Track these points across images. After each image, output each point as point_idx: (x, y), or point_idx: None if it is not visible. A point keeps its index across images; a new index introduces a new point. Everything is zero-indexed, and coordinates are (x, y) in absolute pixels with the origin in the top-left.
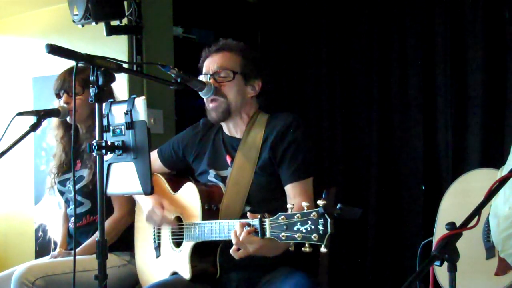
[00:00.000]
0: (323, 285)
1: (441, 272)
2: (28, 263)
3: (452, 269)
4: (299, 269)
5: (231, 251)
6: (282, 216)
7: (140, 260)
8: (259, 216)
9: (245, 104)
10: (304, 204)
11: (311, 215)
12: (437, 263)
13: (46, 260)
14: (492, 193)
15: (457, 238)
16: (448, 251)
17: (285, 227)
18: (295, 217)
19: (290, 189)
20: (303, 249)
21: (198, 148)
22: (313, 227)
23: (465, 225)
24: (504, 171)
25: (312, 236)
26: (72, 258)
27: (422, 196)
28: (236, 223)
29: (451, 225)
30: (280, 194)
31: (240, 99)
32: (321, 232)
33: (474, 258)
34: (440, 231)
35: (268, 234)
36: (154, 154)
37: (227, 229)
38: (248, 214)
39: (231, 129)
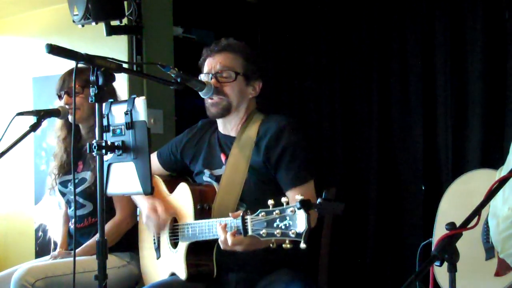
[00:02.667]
0: (323, 285)
1: (441, 272)
2: (27, 263)
3: (452, 269)
4: (299, 270)
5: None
6: (263, 213)
7: (144, 261)
8: (241, 214)
9: (244, 104)
10: (284, 199)
11: (289, 210)
12: (437, 263)
13: (46, 260)
14: (491, 193)
15: (457, 238)
16: (448, 251)
17: (265, 223)
18: (274, 213)
19: (291, 195)
20: (283, 245)
21: (195, 149)
22: (291, 222)
23: (465, 225)
24: (503, 171)
25: (290, 232)
26: (72, 259)
27: (422, 196)
28: (221, 224)
29: (451, 225)
30: (275, 193)
31: (240, 99)
32: (299, 228)
33: (474, 258)
34: (439, 231)
35: (250, 232)
36: (153, 156)
37: (215, 228)
38: (230, 214)
39: (227, 127)
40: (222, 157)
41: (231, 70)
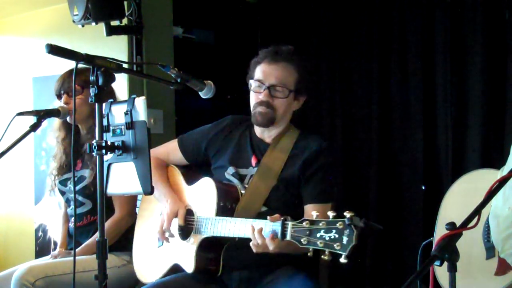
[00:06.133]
0: (323, 285)
1: (441, 272)
2: (28, 263)
3: (452, 269)
4: (300, 269)
5: (251, 244)
6: (307, 221)
7: (138, 249)
8: (282, 218)
9: (287, 117)
10: (330, 213)
11: (337, 224)
12: (437, 263)
13: (46, 260)
14: (492, 193)
15: (457, 238)
16: (448, 251)
17: (308, 232)
18: (320, 224)
19: (310, 209)
20: (322, 256)
21: (221, 144)
22: (337, 236)
23: (465, 225)
24: (504, 171)
25: (335, 245)
26: (72, 258)
27: (422, 196)
28: (251, 226)
29: (451, 225)
30: (297, 206)
31: (286, 113)
32: (344, 242)
33: (474, 258)
34: (440, 231)
35: (288, 237)
36: (173, 144)
37: (242, 227)
38: (268, 217)
39: (264, 133)
40: (253, 159)
41: (285, 88)
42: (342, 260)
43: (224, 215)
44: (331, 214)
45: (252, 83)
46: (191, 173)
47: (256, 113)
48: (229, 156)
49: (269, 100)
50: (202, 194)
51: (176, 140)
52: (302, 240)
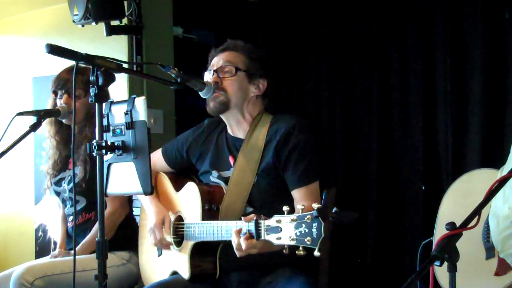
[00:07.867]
0: (323, 286)
1: (441, 272)
2: (27, 263)
3: (452, 269)
4: (299, 270)
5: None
6: (277, 218)
7: (143, 258)
8: (254, 218)
9: (247, 103)
10: (299, 207)
11: (306, 218)
12: (437, 263)
13: (45, 260)
14: (492, 193)
15: (457, 238)
16: (448, 251)
17: (279, 229)
18: (290, 219)
19: (297, 194)
20: (297, 252)
21: (201, 149)
22: (307, 230)
23: (465, 225)
24: (504, 171)
25: (305, 240)
26: (71, 257)
27: (422, 196)
28: (232, 229)
29: (451, 225)
30: (283, 197)
31: (241, 95)
32: (314, 236)
33: (474, 258)
34: (440, 231)
35: (263, 237)
36: (158, 153)
37: (225, 230)
38: (242, 218)
39: (234, 129)
40: (231, 160)
41: (232, 66)
42: (315, 253)
43: (211, 217)
44: (316, 205)
45: (204, 76)
46: (179, 179)
47: (208, 101)
48: (210, 161)
49: (217, 81)
50: (188, 199)
51: (160, 149)
52: (275, 238)
